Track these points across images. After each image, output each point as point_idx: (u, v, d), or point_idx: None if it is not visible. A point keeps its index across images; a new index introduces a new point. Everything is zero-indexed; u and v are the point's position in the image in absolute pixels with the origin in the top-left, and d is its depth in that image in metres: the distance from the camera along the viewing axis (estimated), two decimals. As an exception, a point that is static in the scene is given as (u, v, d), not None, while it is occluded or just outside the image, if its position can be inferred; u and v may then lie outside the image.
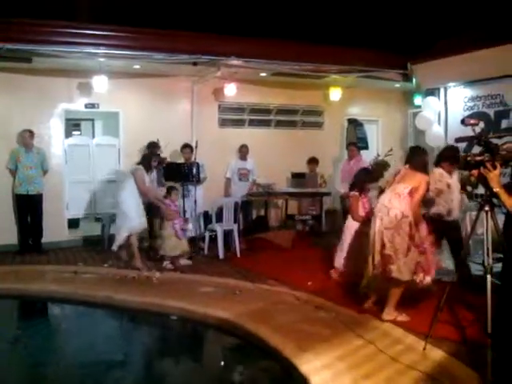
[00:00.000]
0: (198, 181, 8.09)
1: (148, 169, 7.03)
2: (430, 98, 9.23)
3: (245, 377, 4.25)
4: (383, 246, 4.66)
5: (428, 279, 4.70)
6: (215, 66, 8.30)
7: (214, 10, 8.01)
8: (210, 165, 8.67)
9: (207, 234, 7.96)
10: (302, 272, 6.64)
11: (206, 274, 6.65)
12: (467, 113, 8.70)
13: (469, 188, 5.93)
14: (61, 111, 8.62)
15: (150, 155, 7.36)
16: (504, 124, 8.11)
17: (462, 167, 4.35)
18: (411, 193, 4.71)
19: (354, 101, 10.79)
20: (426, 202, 5.43)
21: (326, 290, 5.75)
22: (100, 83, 8.11)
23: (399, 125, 11.14)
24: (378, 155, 9.65)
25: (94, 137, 10.42)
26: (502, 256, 4.06)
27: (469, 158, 3.70)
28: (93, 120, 11.17)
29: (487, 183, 3.61)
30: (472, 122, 3.82)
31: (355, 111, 10.82)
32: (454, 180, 5.77)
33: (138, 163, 7.08)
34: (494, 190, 3.55)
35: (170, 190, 7.32)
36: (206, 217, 8.27)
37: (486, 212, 3.66)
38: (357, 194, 6.11)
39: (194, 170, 7.91)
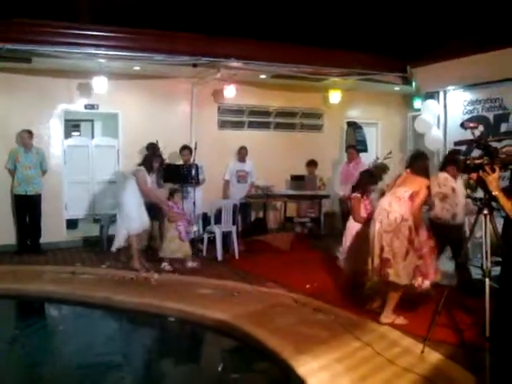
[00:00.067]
0: (197, 182, 8.07)
1: (149, 170, 6.99)
2: (430, 102, 9.24)
3: (242, 379, 4.23)
4: (382, 249, 4.66)
5: (427, 283, 4.68)
6: (215, 68, 8.31)
7: (214, 11, 8.00)
8: (209, 166, 8.65)
9: (206, 236, 7.97)
10: (301, 274, 6.65)
11: (204, 276, 6.64)
12: (466, 116, 8.73)
13: (468, 191, 5.94)
14: (60, 112, 8.61)
15: (152, 156, 7.32)
16: (503, 127, 8.12)
17: (461, 170, 4.36)
18: (412, 197, 4.70)
19: (354, 104, 10.80)
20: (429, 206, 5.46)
21: (325, 293, 5.75)
22: (100, 84, 8.11)
23: (398, 128, 11.15)
24: (378, 158, 9.64)
25: (93, 138, 10.40)
26: (500, 259, 4.06)
27: (468, 162, 3.70)
28: (92, 121, 11.14)
29: (486, 186, 3.61)
30: (471, 125, 3.83)
31: (355, 114, 10.84)
32: (458, 184, 5.78)
33: (140, 164, 7.05)
34: (493, 193, 3.55)
35: (172, 193, 7.31)
36: (205, 218, 8.26)
37: (485, 215, 3.66)
38: (359, 195, 6.11)
39: (193, 172, 7.89)
